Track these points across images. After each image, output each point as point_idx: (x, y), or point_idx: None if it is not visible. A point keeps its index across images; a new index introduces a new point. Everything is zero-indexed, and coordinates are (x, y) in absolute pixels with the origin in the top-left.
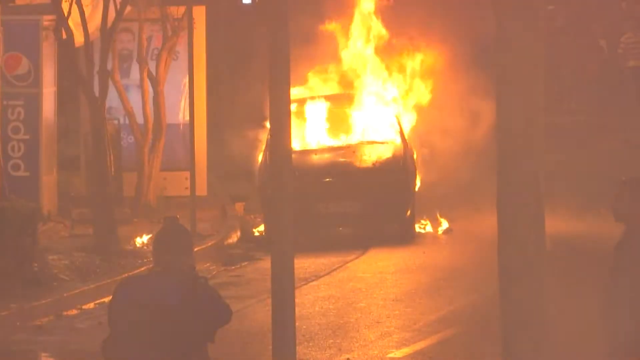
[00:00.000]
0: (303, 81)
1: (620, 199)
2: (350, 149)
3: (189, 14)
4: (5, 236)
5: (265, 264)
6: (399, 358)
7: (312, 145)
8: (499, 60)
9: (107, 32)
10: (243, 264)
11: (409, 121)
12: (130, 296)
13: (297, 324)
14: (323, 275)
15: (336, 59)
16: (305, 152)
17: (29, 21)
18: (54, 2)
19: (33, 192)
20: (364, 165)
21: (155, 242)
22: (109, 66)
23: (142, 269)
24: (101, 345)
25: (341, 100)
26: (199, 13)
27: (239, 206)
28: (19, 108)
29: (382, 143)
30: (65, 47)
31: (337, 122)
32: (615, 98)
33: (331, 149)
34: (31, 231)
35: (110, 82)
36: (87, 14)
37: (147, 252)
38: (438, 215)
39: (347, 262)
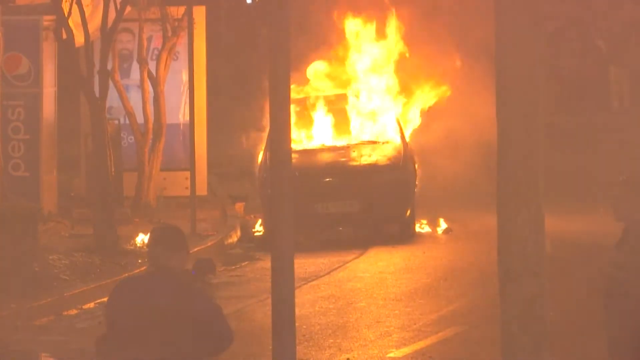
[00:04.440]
0: (303, 81)
1: (621, 199)
2: (350, 149)
3: (189, 14)
4: (5, 236)
5: (265, 264)
6: (399, 358)
7: (312, 145)
8: (498, 59)
9: (107, 32)
10: (243, 264)
11: (411, 121)
12: (124, 297)
13: (297, 324)
14: (323, 275)
15: (337, 58)
16: (305, 152)
17: (29, 21)
18: (54, 2)
19: (33, 192)
20: (364, 165)
21: (148, 240)
22: (109, 66)
23: (142, 268)
24: (95, 345)
25: (341, 100)
26: (199, 13)
27: (239, 206)
28: (19, 108)
29: (382, 143)
30: (65, 47)
31: (337, 122)
32: (612, 98)
33: (331, 149)
34: (31, 231)
35: (110, 82)
36: (87, 14)
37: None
38: (438, 220)
39: (347, 262)
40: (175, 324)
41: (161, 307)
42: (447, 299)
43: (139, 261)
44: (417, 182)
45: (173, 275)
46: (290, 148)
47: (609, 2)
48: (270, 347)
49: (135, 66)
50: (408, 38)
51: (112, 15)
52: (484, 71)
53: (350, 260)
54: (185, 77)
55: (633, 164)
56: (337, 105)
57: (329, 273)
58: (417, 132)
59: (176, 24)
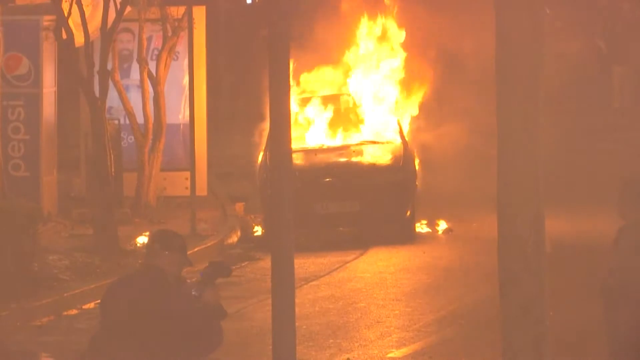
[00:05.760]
0: (303, 81)
1: (621, 198)
2: (350, 149)
3: (189, 14)
4: (5, 236)
5: (265, 264)
6: (399, 358)
7: (312, 145)
8: (498, 58)
9: (107, 32)
10: (243, 264)
11: (408, 120)
12: (113, 295)
13: (297, 324)
14: (323, 275)
15: (337, 58)
16: (305, 152)
17: (29, 21)
18: (54, 2)
19: (33, 192)
20: (364, 165)
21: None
22: (109, 66)
23: None
24: (89, 343)
25: (341, 100)
26: (199, 13)
27: (239, 206)
28: (19, 108)
29: (382, 143)
30: (65, 47)
31: (337, 122)
32: (614, 98)
33: (331, 149)
34: (31, 231)
35: (110, 82)
36: (87, 14)
37: None
38: (438, 220)
39: (347, 262)
40: (157, 322)
41: (141, 304)
42: (447, 299)
43: (139, 261)
44: (417, 182)
45: (158, 273)
46: (290, 148)
47: (609, 2)
48: (270, 347)
49: (135, 66)
50: (408, 36)
51: (112, 15)
52: (484, 69)
53: (351, 260)
54: (185, 77)
55: (633, 164)
56: (337, 105)
57: (329, 273)
58: (415, 132)
59: (176, 24)
